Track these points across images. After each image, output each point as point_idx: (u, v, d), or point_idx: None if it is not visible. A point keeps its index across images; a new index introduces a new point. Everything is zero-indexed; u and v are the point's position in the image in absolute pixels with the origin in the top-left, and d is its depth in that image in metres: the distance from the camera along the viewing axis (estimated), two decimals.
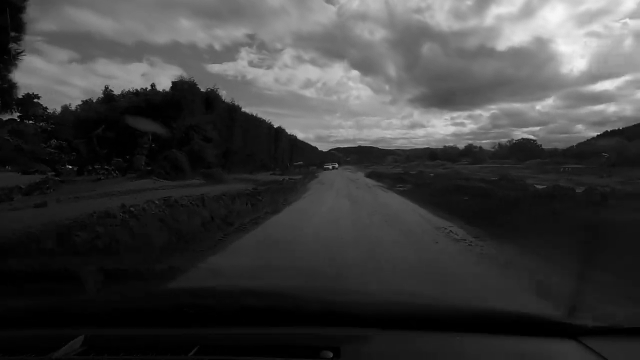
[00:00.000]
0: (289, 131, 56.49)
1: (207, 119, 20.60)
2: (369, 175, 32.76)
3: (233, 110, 29.90)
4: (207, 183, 15.09)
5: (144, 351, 0.91)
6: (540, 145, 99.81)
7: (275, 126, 45.77)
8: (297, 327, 1.01)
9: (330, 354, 0.85)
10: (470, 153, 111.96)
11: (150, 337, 0.99)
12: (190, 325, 1.02)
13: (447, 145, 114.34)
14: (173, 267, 3.88)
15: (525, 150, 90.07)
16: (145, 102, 21.97)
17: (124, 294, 1.42)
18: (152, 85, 23.26)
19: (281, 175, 30.24)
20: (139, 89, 24.56)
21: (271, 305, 1.07)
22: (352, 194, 14.36)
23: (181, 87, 21.79)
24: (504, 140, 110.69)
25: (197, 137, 18.99)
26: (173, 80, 21.45)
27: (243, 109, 34.86)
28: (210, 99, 25.05)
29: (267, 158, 41.46)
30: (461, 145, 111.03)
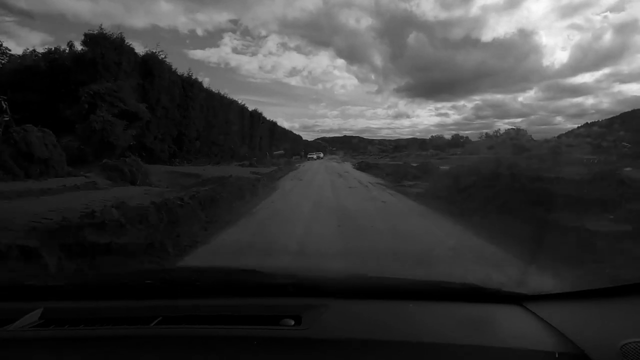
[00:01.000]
0: (274, 120, 49.88)
1: (127, 85, 13.96)
2: (359, 167, 26.79)
3: (189, 85, 23.20)
4: (95, 184, 8.71)
5: (105, 323, 0.88)
6: (531, 135, 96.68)
7: (250, 109, 39.19)
8: (262, 298, 1.02)
9: (292, 322, 0.86)
10: (459, 143, 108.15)
11: (112, 309, 0.97)
12: (154, 298, 1.01)
13: (434, 135, 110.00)
14: None
15: (515, 140, 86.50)
16: (49, 63, 15.09)
17: (85, 271, 1.62)
18: (70, 44, 16.41)
19: (251, 167, 23.87)
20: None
21: (236, 279, 1.09)
22: (345, 204, 8.21)
23: (102, 44, 15.00)
24: (491, 131, 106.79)
25: (106, 111, 12.32)
26: (87, 32, 14.54)
27: (208, 87, 28.17)
28: (150, 65, 18.34)
29: (241, 146, 34.91)
30: (445, 136, 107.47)
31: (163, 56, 20.05)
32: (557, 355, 0.74)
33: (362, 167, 27.06)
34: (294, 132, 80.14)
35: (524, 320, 0.92)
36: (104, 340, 0.83)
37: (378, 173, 19.42)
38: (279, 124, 52.35)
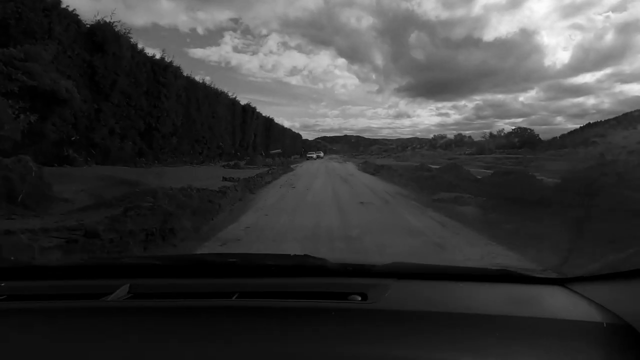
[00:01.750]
0: (270, 116, 45.55)
1: (45, 53, 9.67)
2: (365, 169, 22.54)
3: (161, 68, 18.91)
4: None
5: (188, 297, 0.95)
6: (538, 135, 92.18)
7: (242, 103, 34.91)
8: (327, 277, 1.09)
9: (359, 298, 0.92)
10: (462, 142, 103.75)
11: (193, 285, 1.05)
12: (232, 277, 1.09)
13: (436, 134, 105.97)
14: None
15: (522, 140, 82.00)
16: None
17: (167, 254, 1.79)
18: None
19: (236, 169, 19.62)
20: None
21: (302, 262, 1.16)
22: (367, 249, 3.98)
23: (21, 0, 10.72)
24: (494, 130, 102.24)
25: None
26: None
27: (190, 75, 23.86)
28: (100, 38, 14.05)
29: (232, 144, 30.65)
30: (448, 135, 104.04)
31: (125, 31, 15.71)
32: (605, 325, 0.77)
33: (368, 168, 22.78)
34: (294, 130, 75.83)
35: (569, 298, 0.95)
36: (190, 310, 0.89)
37: (393, 178, 15.14)
38: (276, 121, 48.02)
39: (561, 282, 1.02)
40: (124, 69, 15.51)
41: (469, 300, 0.95)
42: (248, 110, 33.75)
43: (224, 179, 10.67)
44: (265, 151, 42.27)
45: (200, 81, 25.14)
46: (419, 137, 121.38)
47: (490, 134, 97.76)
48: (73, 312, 0.89)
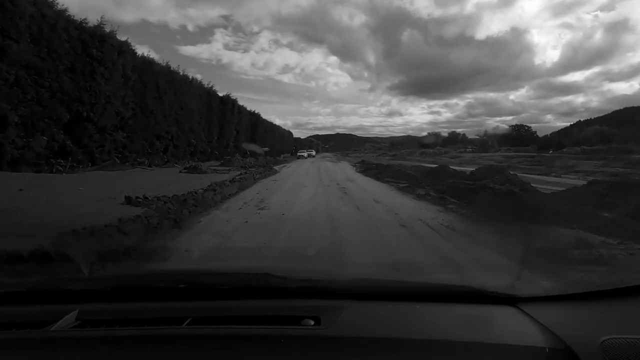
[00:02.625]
0: (256, 111, 40.47)
1: None
2: (365, 170, 17.87)
3: (96, 40, 13.88)
4: None
5: (139, 323, 0.90)
6: (535, 132, 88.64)
7: (220, 94, 29.90)
8: (282, 300, 1.05)
9: (312, 322, 0.90)
10: (457, 140, 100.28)
11: (144, 310, 1.00)
12: (183, 300, 1.04)
13: (430, 132, 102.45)
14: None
15: (520, 137, 78.44)
16: None
17: (118, 273, 1.60)
18: None
19: (197, 175, 14.79)
20: None
21: (260, 283, 1.10)
22: None
23: None
24: (489, 128, 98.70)
25: None
26: None
27: (148, 55, 18.87)
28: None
29: (207, 141, 25.69)
30: (442, 133, 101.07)
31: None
32: (547, 350, 0.79)
33: (368, 170, 18.12)
34: (284, 127, 70.65)
35: (518, 319, 0.96)
36: (139, 340, 0.85)
37: (407, 184, 10.47)
38: (264, 117, 42.92)
39: (513, 302, 1.03)
40: (23, 31, 10.54)
41: (423, 324, 0.95)
42: (228, 103, 28.68)
43: (129, 201, 5.79)
44: (242, 150, 37.37)
45: (164, 63, 20.17)
46: (412, 135, 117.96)
47: (486, 132, 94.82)
48: (13, 344, 0.84)
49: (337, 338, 0.84)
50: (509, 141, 72.57)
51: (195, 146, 23.78)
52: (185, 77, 22.47)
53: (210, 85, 26.35)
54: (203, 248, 4.07)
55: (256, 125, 39.35)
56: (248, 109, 37.93)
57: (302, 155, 48.95)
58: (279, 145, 58.36)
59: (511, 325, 0.94)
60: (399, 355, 0.80)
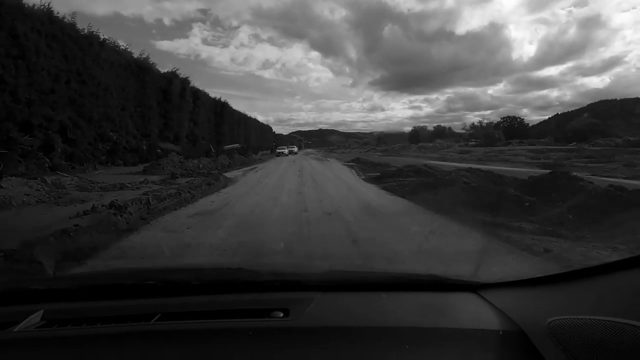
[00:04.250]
0: (223, 99, 31.98)
1: None
2: (378, 179, 10.32)
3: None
4: None
5: (107, 321, 0.88)
6: (528, 124, 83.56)
7: (180, 76, 21.66)
8: (251, 293, 1.04)
9: (281, 314, 0.90)
10: (443, 134, 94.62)
11: (112, 308, 0.97)
12: (152, 297, 1.01)
13: (416, 126, 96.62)
14: None
15: (512, 129, 73.03)
16: None
17: (84, 272, 1.53)
18: None
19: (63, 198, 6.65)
20: None
21: (229, 277, 1.12)
22: None
23: None
24: (484, 120, 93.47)
25: None
26: None
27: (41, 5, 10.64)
28: None
29: (140, 136, 17.52)
30: (428, 128, 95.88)
31: None
32: (501, 333, 0.83)
33: (385, 178, 10.58)
34: (261, 121, 62.00)
35: (477, 305, 1.00)
36: (107, 337, 0.83)
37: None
38: (227, 103, 34.51)
39: (474, 288, 1.06)
40: None
41: (387, 313, 0.97)
42: (174, 84, 20.45)
43: None
44: (217, 147, 29.24)
45: (68, 20, 11.97)
46: (394, 130, 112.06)
47: (473, 124, 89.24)
48: None
49: (304, 329, 0.85)
50: (505, 134, 67.24)
51: (116, 142, 15.56)
52: (91, 36, 14.20)
53: (143, 57, 18.08)
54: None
55: (222, 116, 31.10)
56: (212, 96, 29.67)
57: (282, 153, 41.04)
58: (257, 140, 50.07)
59: (470, 311, 0.97)
60: (364, 343, 0.82)
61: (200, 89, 26.73)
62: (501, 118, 78.54)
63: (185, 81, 21.49)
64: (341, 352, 0.79)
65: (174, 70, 21.50)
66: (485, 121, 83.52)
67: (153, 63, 18.68)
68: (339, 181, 10.60)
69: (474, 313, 0.96)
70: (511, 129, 69.91)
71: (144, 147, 17.64)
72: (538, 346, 0.76)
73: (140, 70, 17.45)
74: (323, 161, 24.99)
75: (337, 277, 1.14)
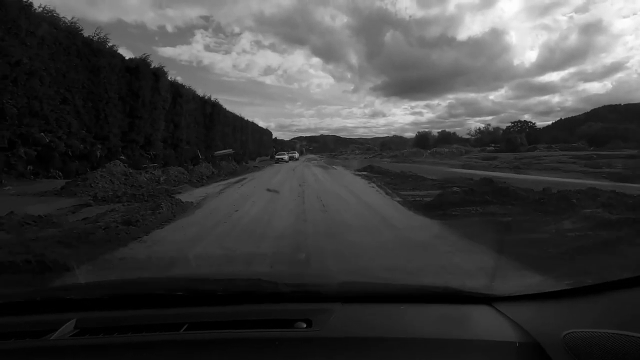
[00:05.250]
0: (213, 98, 27.55)
1: None
2: (431, 208, 6.01)
3: None
4: None
5: (137, 330, 0.89)
6: (539, 129, 78.86)
7: (157, 67, 17.43)
8: (275, 304, 1.04)
9: (304, 325, 0.91)
10: (449, 139, 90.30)
11: (142, 317, 0.98)
12: (180, 306, 1.02)
13: (420, 131, 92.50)
14: None
15: (523, 133, 68.56)
16: None
17: (115, 281, 1.44)
18: None
19: None
20: None
21: (254, 288, 1.11)
22: None
23: None
24: (490, 125, 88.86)
25: None
26: None
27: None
28: None
29: (92, 138, 13.16)
30: (433, 133, 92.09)
31: None
32: (517, 345, 0.82)
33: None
34: (263, 126, 57.45)
35: (492, 317, 0.99)
36: (138, 346, 0.84)
37: None
38: (217, 101, 30.07)
39: (489, 301, 1.05)
40: None
41: (406, 324, 0.97)
42: (144, 72, 15.90)
43: None
44: (206, 153, 24.95)
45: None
46: (397, 135, 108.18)
47: (480, 129, 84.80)
48: (13, 354, 0.81)
49: (327, 339, 0.86)
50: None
51: (50, 147, 11.20)
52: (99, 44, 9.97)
53: (97, 36, 13.81)
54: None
55: (213, 118, 26.77)
56: (200, 94, 25.42)
57: (282, 159, 36.74)
58: (255, 146, 45.78)
59: (486, 323, 0.97)
60: (384, 353, 0.82)
61: (188, 86, 22.47)
62: (511, 122, 74.18)
63: (159, 71, 17.08)
64: None
65: (143, 56, 17.10)
66: (491, 126, 79.63)
67: (113, 46, 14.43)
68: (367, 211, 6.11)
69: (489, 325, 0.95)
70: (522, 133, 65.46)
71: (98, 153, 13.29)
72: (553, 358, 0.76)
73: (91, 53, 13.18)
74: (328, 169, 20.58)
75: (357, 289, 1.15)
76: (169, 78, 19.58)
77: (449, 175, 12.07)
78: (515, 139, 44.61)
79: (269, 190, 9.46)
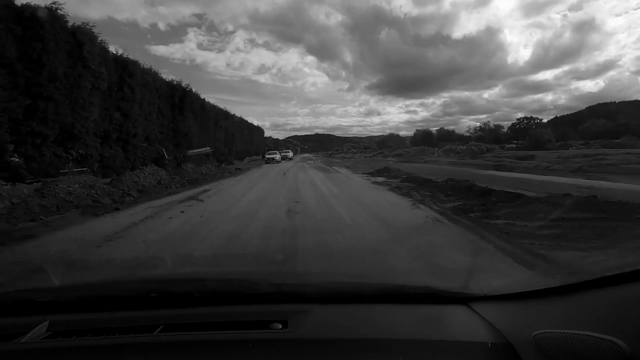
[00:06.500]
0: (191, 88, 21.87)
1: None
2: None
3: None
4: None
5: (110, 332, 0.88)
6: (548, 126, 74.52)
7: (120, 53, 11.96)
8: (251, 305, 1.03)
9: (280, 326, 0.89)
10: (449, 136, 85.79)
11: (115, 319, 0.96)
12: (154, 308, 1.00)
13: (418, 129, 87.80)
14: None
15: (526, 131, 64.10)
16: None
17: (89, 282, 1.40)
18: None
19: None
20: None
21: (230, 289, 1.09)
22: None
23: None
24: (488, 123, 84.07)
25: None
26: None
27: None
28: None
29: (7, 137, 7.63)
30: (411, 132, 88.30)
31: None
32: (489, 345, 0.82)
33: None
34: (258, 125, 51.54)
35: (468, 317, 0.98)
36: (111, 348, 0.82)
37: None
38: (199, 94, 24.40)
39: (465, 300, 1.03)
40: None
41: (381, 325, 0.95)
42: (52, 30, 10.48)
43: None
44: (175, 151, 19.53)
45: None
46: (391, 134, 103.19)
47: (480, 127, 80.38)
48: None
49: (302, 340, 0.85)
50: (517, 136, 58.89)
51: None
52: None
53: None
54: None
55: (184, 108, 21.15)
56: (167, 78, 19.89)
57: (273, 159, 31.39)
58: (243, 144, 40.06)
59: (461, 323, 0.96)
60: (359, 355, 0.81)
61: (148, 66, 16.89)
62: (517, 119, 69.63)
63: (82, 32, 11.42)
64: None
65: (84, 24, 11.59)
66: (492, 123, 75.51)
67: (64, 16, 8.88)
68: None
69: (464, 325, 0.95)
70: (526, 131, 60.94)
71: (9, 158, 7.80)
72: (524, 358, 0.76)
73: (17, 17, 7.67)
74: (330, 173, 15.25)
75: (333, 289, 1.13)
76: (112, 50, 14.01)
77: (552, 187, 6.82)
78: (542, 136, 39.56)
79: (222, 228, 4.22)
